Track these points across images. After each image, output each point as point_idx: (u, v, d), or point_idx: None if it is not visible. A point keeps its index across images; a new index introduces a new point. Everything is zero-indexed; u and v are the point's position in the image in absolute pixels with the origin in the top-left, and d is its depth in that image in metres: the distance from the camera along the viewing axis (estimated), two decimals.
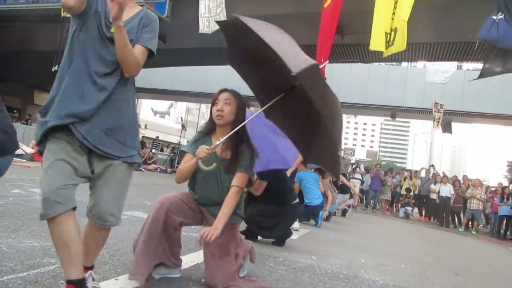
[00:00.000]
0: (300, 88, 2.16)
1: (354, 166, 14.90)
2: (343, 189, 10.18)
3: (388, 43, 7.41)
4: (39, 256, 2.42)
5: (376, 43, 7.48)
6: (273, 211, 4.21)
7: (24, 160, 9.52)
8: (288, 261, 3.62)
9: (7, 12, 14.01)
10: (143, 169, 14.81)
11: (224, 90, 2.51)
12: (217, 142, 2.33)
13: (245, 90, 2.69)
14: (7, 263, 2.19)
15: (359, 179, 14.71)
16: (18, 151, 10.04)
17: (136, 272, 2.19)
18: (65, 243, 1.69)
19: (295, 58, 1.90)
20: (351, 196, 11.36)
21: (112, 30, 1.79)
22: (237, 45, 2.42)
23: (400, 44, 7.24)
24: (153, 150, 18.24)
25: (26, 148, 10.41)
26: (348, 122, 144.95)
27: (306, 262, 3.73)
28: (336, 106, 2.24)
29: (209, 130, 2.58)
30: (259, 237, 4.32)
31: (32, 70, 21.39)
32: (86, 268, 1.93)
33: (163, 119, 50.73)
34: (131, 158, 1.96)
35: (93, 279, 1.98)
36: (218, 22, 2.34)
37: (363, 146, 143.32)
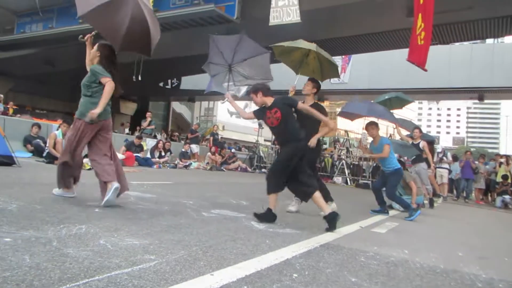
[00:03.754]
0: None
1: (440, 155, 14.02)
2: None
3: None
4: (140, 253, 2.58)
5: None
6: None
7: None
8: (379, 255, 3.50)
9: (92, 29, 15.16)
10: (224, 169, 15.24)
11: None
12: None
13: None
14: (113, 260, 2.36)
15: (447, 168, 13.82)
16: None
17: None
18: None
19: None
20: None
21: None
22: None
23: None
24: (233, 150, 18.71)
25: (117, 154, 11.17)
26: (430, 108, 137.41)
27: (399, 256, 3.58)
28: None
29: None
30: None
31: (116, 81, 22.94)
32: None
33: (239, 119, 51.75)
34: None
35: None
36: None
37: (448, 133, 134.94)
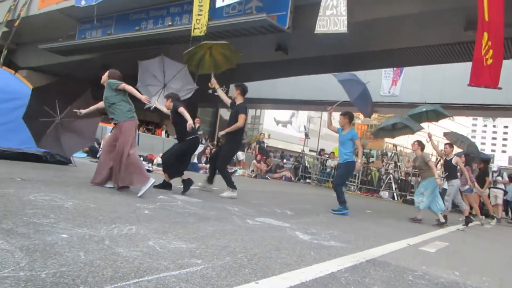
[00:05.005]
0: None
1: (495, 175, 13.30)
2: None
3: None
4: (187, 256, 2.63)
5: None
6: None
7: None
8: (428, 275, 3.37)
9: (148, 36, 15.68)
10: (268, 177, 15.26)
11: None
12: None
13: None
14: (162, 262, 2.42)
15: (502, 189, 13.08)
16: (157, 161, 11.14)
17: None
18: None
19: None
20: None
21: None
22: None
23: None
24: (284, 160, 18.74)
25: None
26: (485, 125, 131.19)
27: (449, 277, 3.43)
28: None
29: None
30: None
31: None
32: None
33: (285, 128, 51.70)
34: None
35: None
36: None
37: (504, 151, 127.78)
